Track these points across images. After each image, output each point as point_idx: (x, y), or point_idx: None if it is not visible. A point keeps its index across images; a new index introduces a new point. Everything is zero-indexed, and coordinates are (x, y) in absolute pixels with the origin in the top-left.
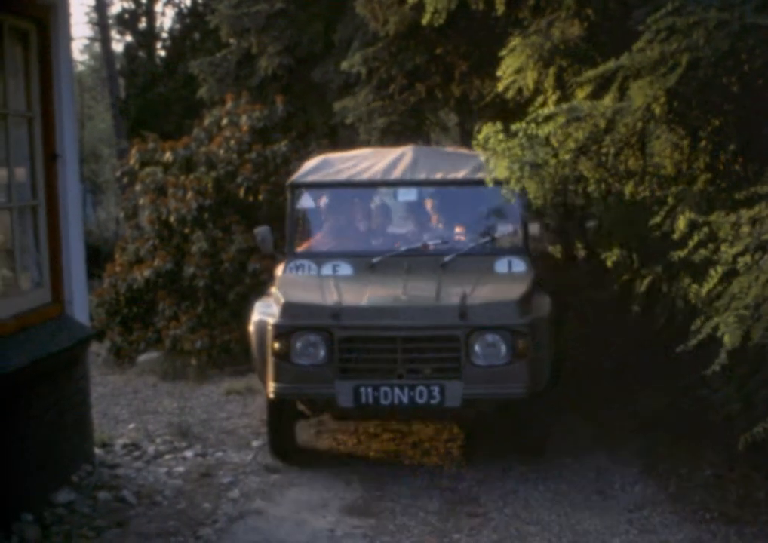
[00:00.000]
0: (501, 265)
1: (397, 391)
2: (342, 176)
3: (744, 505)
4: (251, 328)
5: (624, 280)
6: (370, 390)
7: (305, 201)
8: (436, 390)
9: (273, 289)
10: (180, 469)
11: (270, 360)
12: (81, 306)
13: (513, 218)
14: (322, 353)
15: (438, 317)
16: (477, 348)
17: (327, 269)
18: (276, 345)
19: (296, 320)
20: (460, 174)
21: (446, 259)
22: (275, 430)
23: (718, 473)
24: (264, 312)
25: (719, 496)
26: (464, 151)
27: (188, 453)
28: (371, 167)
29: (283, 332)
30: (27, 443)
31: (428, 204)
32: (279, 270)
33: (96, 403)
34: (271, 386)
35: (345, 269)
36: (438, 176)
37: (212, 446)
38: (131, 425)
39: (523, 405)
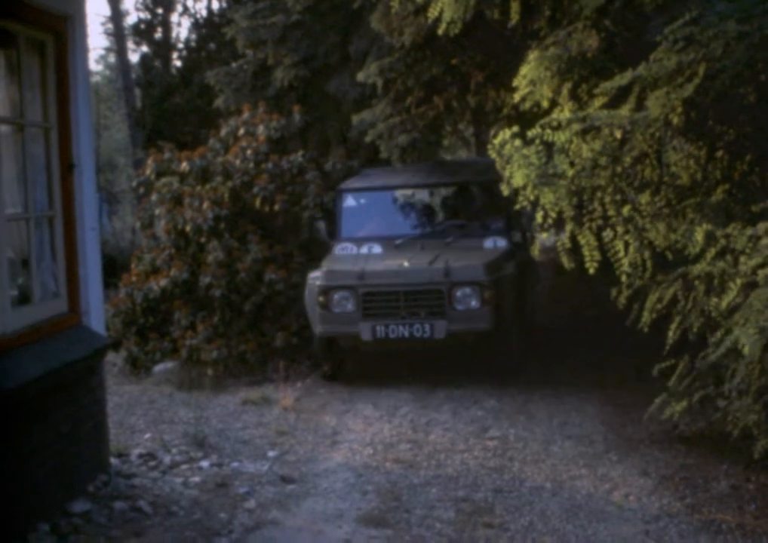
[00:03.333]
0: (488, 243)
1: (401, 327)
2: (376, 183)
3: (761, 516)
4: (306, 291)
5: (636, 291)
6: (382, 327)
7: (349, 201)
8: (428, 326)
9: (323, 264)
10: (196, 479)
11: (317, 310)
12: (97, 316)
13: (501, 208)
14: (351, 304)
15: (429, 276)
16: (456, 297)
17: (364, 249)
18: (321, 299)
19: (334, 281)
20: (463, 178)
21: (448, 239)
22: (325, 359)
23: (735, 484)
24: (314, 278)
25: (736, 507)
26: (474, 158)
27: (205, 463)
28: (398, 176)
29: (325, 289)
30: (43, 452)
31: (439, 201)
32: (331, 251)
33: (113, 413)
34: (318, 327)
35: (376, 249)
36: (446, 180)
37: (228, 457)
38: (147, 435)
39: (493, 337)
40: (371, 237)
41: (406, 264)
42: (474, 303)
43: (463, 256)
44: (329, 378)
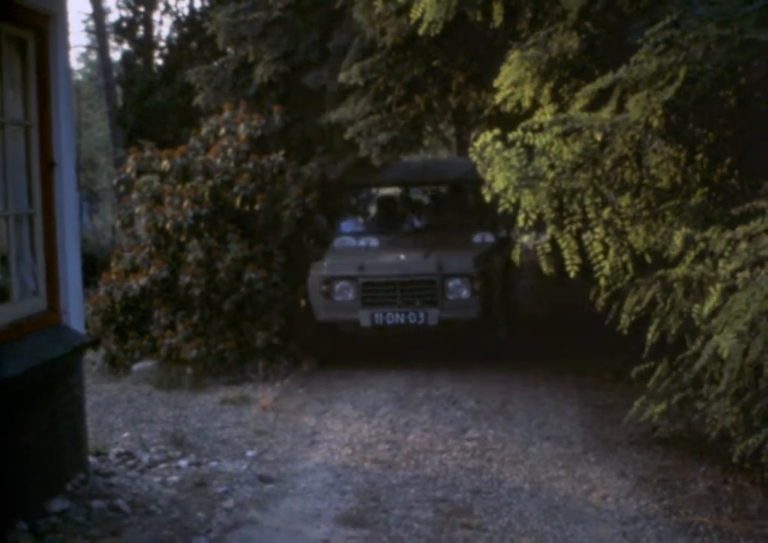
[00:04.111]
0: (477, 238)
1: (397, 315)
2: (374, 180)
3: (738, 518)
4: (309, 281)
5: (614, 293)
6: (380, 315)
7: (348, 197)
8: (422, 314)
9: (325, 256)
10: (175, 478)
11: (320, 299)
12: (76, 314)
13: (489, 206)
14: (351, 293)
15: (423, 268)
16: (448, 287)
17: (362, 242)
18: (323, 288)
19: (336, 272)
20: (454, 176)
21: (440, 234)
22: (323, 345)
23: (713, 486)
24: (317, 268)
25: (713, 509)
26: (463, 158)
27: (183, 462)
28: (394, 173)
29: (327, 279)
30: (22, 451)
31: (432, 198)
32: (331, 244)
33: (91, 412)
34: (321, 314)
35: (373, 242)
36: (439, 178)
37: (206, 456)
38: (126, 434)
39: (481, 324)
40: (368, 231)
41: (402, 257)
42: (464, 293)
43: (454, 249)
44: (323, 363)
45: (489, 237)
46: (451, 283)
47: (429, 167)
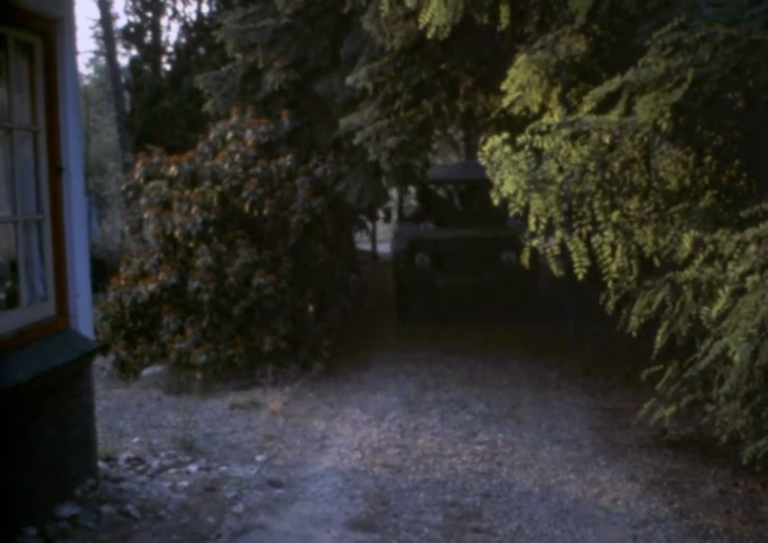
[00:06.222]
0: (511, 222)
1: (465, 278)
2: (427, 178)
3: (749, 521)
4: (393, 254)
5: (624, 296)
6: (452, 278)
7: (408, 191)
8: (484, 277)
9: (399, 236)
10: (184, 483)
11: (403, 267)
12: (85, 320)
13: None
14: (428, 261)
15: (484, 242)
16: (503, 257)
17: (421, 226)
18: (406, 258)
19: (416, 245)
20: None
21: (481, 218)
22: (405, 303)
23: (723, 488)
24: (399, 243)
25: (724, 512)
26: None
27: (193, 467)
28: (443, 173)
29: (410, 252)
30: (31, 456)
31: (475, 191)
32: (396, 228)
33: (101, 417)
34: (405, 279)
35: (430, 226)
36: (478, 176)
37: (216, 461)
38: (135, 439)
39: (524, 286)
40: (426, 217)
41: (465, 233)
42: (514, 261)
43: (500, 229)
44: (403, 320)
45: (520, 222)
46: (504, 255)
47: (467, 167)
